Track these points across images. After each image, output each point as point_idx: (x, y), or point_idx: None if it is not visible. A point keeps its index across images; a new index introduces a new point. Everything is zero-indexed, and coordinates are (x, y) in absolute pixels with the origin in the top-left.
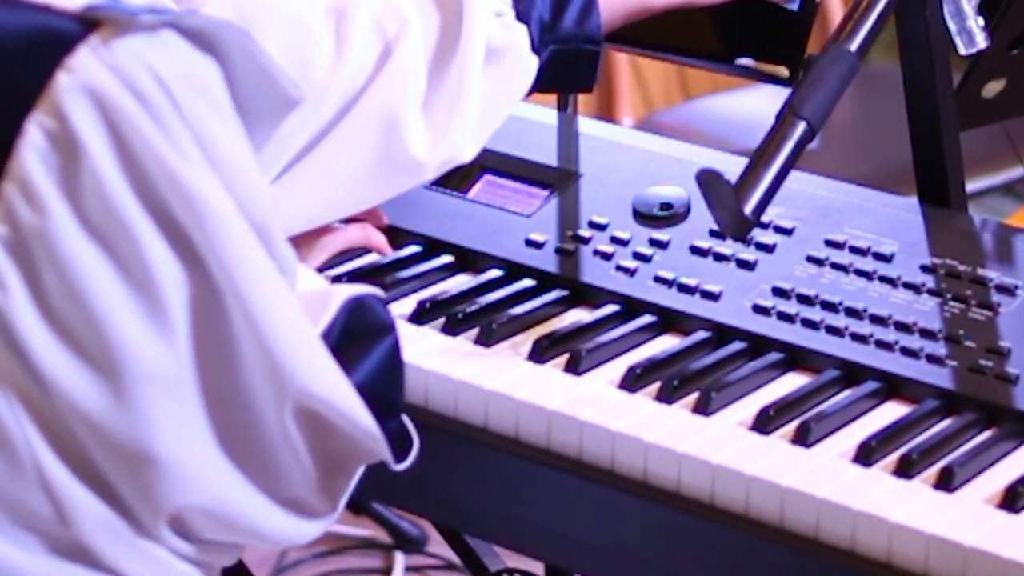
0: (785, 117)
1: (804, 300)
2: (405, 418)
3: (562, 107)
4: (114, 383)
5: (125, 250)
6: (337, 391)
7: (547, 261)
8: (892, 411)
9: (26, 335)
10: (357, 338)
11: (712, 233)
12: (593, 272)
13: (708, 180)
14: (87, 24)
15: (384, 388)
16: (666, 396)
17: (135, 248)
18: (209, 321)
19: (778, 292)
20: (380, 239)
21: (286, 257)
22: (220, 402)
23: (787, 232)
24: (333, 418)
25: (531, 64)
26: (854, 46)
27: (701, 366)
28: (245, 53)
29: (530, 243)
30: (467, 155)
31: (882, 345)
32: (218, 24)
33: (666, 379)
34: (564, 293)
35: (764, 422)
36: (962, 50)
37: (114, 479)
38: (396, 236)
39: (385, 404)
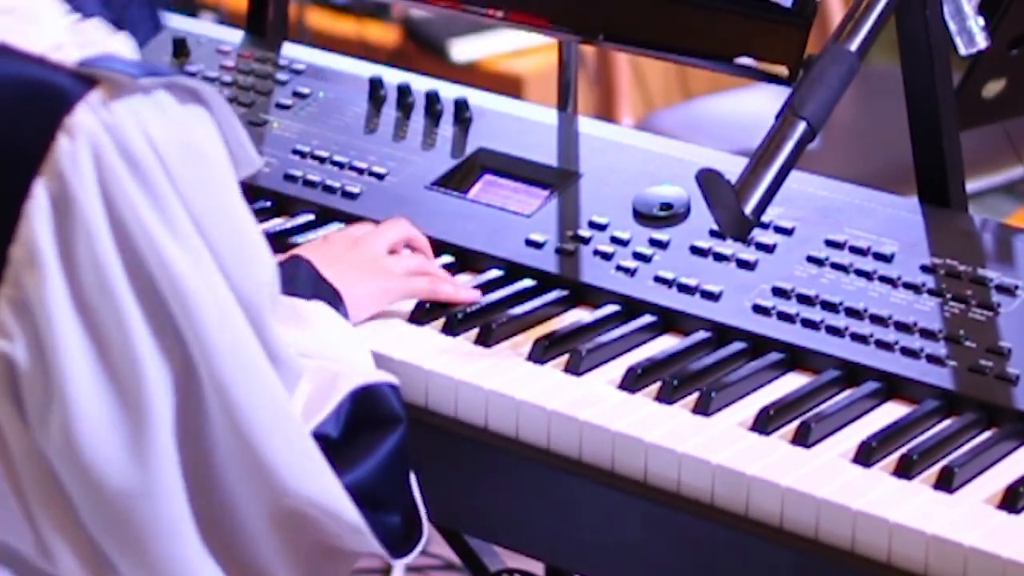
0: (785, 117)
1: (804, 300)
2: (419, 504)
3: (562, 107)
4: (92, 488)
5: (114, 342)
6: (321, 489)
7: (547, 261)
8: (892, 411)
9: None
10: (364, 429)
11: (712, 233)
12: (593, 272)
13: (708, 180)
14: (84, 80)
15: (384, 483)
16: (666, 396)
17: (125, 340)
18: (192, 418)
19: (778, 292)
20: (449, 291)
21: (278, 342)
22: (203, 499)
23: (787, 232)
24: (316, 515)
25: None
26: (854, 46)
27: (701, 366)
28: (223, 109)
29: (530, 243)
30: None
31: (882, 345)
32: (199, 83)
33: (666, 379)
34: (564, 293)
35: (764, 422)
36: (962, 50)
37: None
38: None
39: (383, 499)
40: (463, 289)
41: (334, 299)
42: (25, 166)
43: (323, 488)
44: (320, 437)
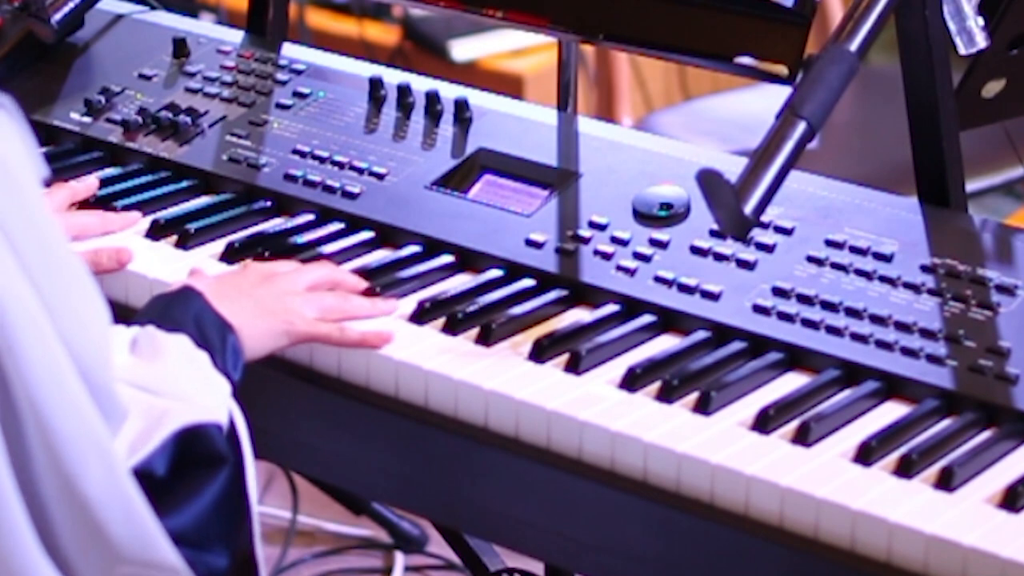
0: (785, 117)
1: (804, 300)
2: (257, 548)
3: (562, 107)
4: None
5: None
6: (139, 533)
7: (547, 261)
8: (892, 411)
9: None
10: (189, 469)
11: (712, 233)
12: (593, 272)
13: (708, 180)
14: None
15: (209, 525)
16: (666, 396)
17: None
18: (12, 438)
19: (778, 292)
20: (355, 339)
21: (102, 374)
22: (34, 505)
23: (787, 232)
24: (134, 555)
25: None
26: (854, 46)
27: (701, 366)
28: (17, 113)
29: (530, 243)
30: None
31: (882, 345)
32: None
33: (666, 379)
34: (564, 293)
35: (764, 422)
36: (962, 50)
37: None
38: (396, 236)
39: (208, 542)
40: (372, 335)
41: (222, 331)
42: None
43: (141, 532)
44: (145, 474)
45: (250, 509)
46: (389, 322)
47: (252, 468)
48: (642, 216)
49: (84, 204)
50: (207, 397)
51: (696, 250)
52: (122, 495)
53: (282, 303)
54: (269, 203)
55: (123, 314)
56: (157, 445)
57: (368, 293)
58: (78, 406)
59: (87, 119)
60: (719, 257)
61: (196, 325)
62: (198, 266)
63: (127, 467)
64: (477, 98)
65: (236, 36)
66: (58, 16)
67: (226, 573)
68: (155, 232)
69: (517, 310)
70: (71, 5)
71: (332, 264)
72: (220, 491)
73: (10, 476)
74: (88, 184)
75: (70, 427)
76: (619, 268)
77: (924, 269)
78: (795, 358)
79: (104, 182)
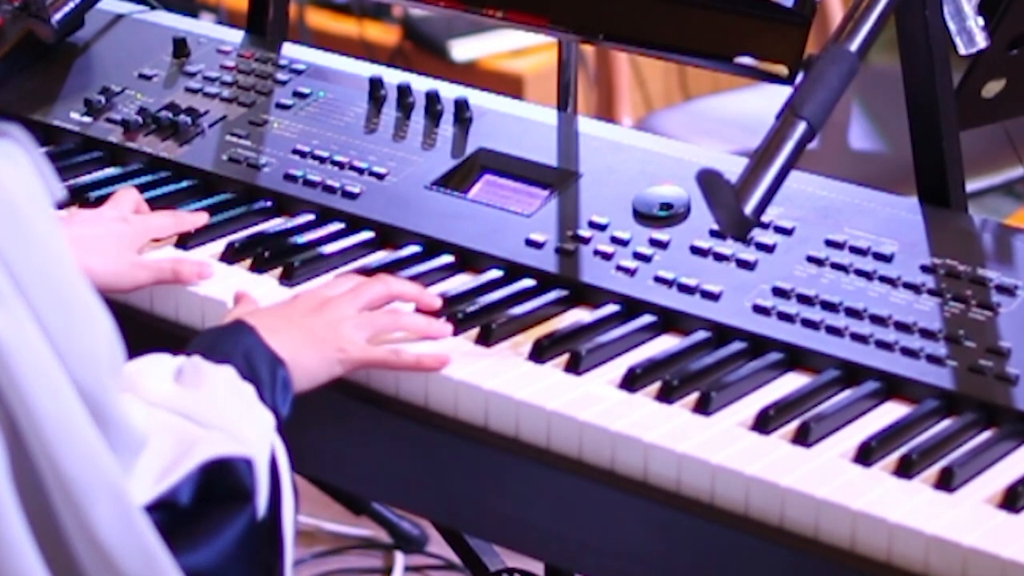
0: (785, 117)
1: (804, 300)
2: None
3: (562, 107)
4: None
5: None
6: (149, 568)
7: (547, 261)
8: (892, 411)
9: None
10: (213, 503)
11: (712, 233)
12: (593, 272)
13: (708, 180)
14: None
15: (233, 564)
16: (666, 396)
17: None
18: (28, 482)
19: (778, 292)
20: (410, 361)
21: (114, 406)
22: (58, 542)
23: (787, 232)
24: None
25: None
26: (854, 46)
27: (701, 366)
28: (29, 141)
29: (530, 243)
30: None
31: (882, 345)
32: (5, 124)
33: (666, 379)
34: (564, 293)
35: (764, 422)
36: (962, 50)
37: None
38: (396, 236)
39: None
40: (428, 357)
41: (272, 365)
42: None
43: (155, 572)
44: (169, 504)
45: (283, 551)
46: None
47: (291, 508)
48: (642, 216)
49: (83, 203)
50: (246, 429)
51: (696, 250)
52: (135, 534)
53: (334, 332)
54: (269, 203)
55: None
56: (183, 475)
57: (432, 313)
58: (88, 449)
59: (87, 119)
60: (719, 257)
61: (245, 358)
62: (243, 290)
63: (142, 502)
64: (477, 98)
65: (236, 36)
66: (58, 16)
67: None
68: None
69: (517, 310)
70: (71, 5)
71: (386, 277)
72: (243, 529)
73: (22, 521)
74: (193, 218)
75: (81, 470)
76: (619, 268)
77: (924, 269)
78: (795, 358)
79: (104, 182)
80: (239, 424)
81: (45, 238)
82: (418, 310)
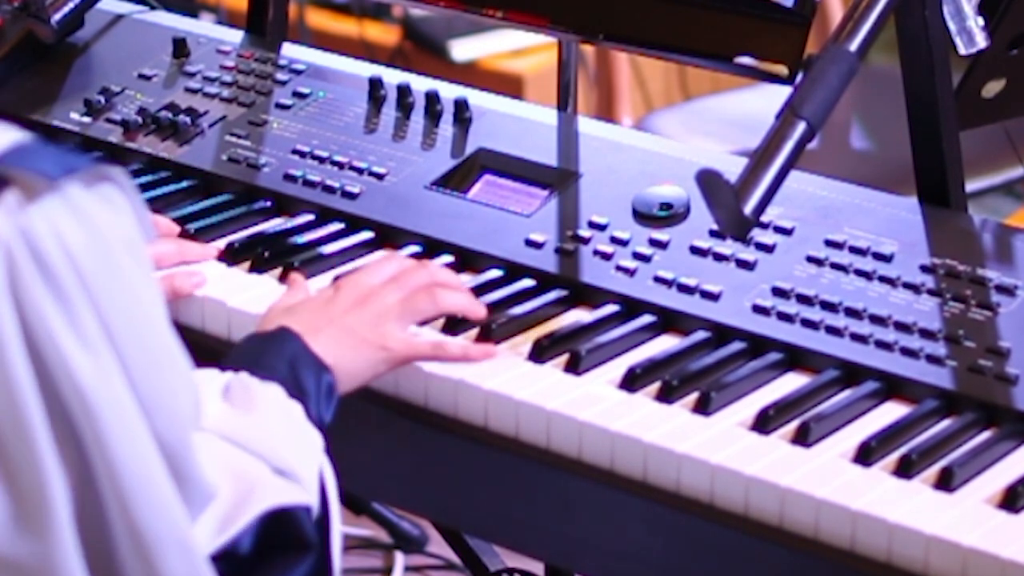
0: (785, 117)
1: (804, 300)
2: None
3: (562, 107)
4: None
5: (15, 450)
6: None
7: (547, 261)
8: (892, 411)
9: None
10: (273, 553)
11: (712, 233)
12: (593, 272)
13: (708, 180)
14: None
15: None
16: (666, 396)
17: (26, 449)
18: (95, 528)
19: (778, 292)
20: (455, 352)
21: (191, 460)
22: None
23: (787, 232)
24: None
25: None
26: (854, 46)
27: (701, 366)
28: (132, 187)
29: (530, 243)
30: None
31: (882, 345)
32: (110, 168)
33: (666, 379)
34: (564, 293)
35: (764, 422)
36: (962, 50)
37: None
38: (396, 236)
39: None
40: (475, 350)
41: (317, 372)
42: None
43: None
44: (230, 554)
45: (332, 571)
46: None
47: (338, 528)
48: (642, 216)
49: None
50: (300, 464)
51: (696, 250)
52: None
53: (377, 330)
54: (269, 203)
55: None
56: (244, 526)
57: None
58: (163, 501)
59: (87, 119)
60: (719, 257)
61: (291, 370)
62: (296, 275)
63: (208, 553)
64: (477, 98)
65: (236, 36)
66: (58, 16)
67: None
68: None
69: (517, 310)
70: (71, 5)
71: (428, 264)
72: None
73: (80, 564)
74: (201, 250)
75: (154, 521)
76: (619, 268)
77: (924, 269)
78: (795, 358)
79: None
80: (293, 457)
81: (139, 288)
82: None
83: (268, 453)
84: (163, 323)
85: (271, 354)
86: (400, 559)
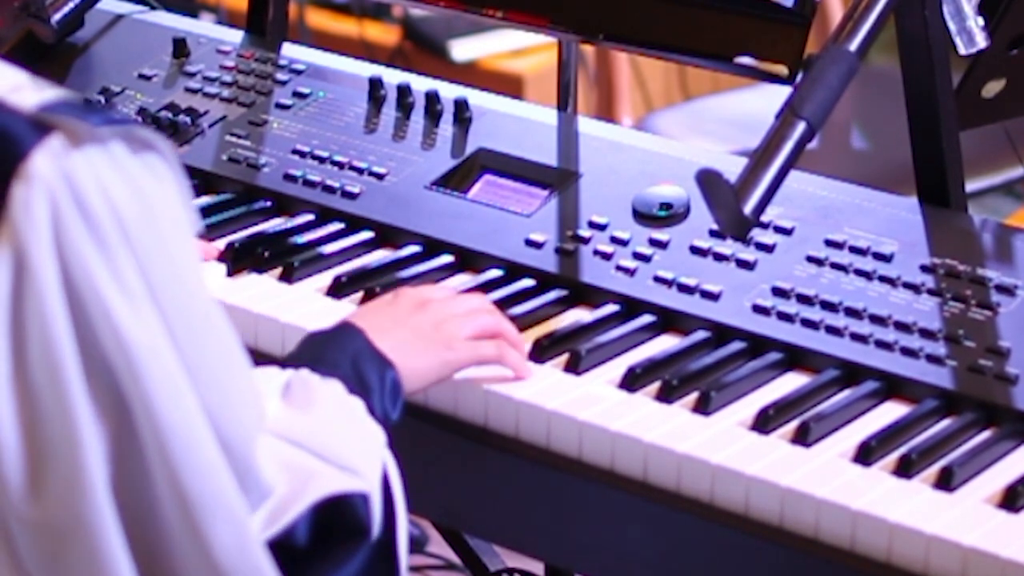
0: (785, 117)
1: (804, 300)
2: None
3: (562, 107)
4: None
5: (48, 402)
6: None
7: (547, 261)
8: (892, 411)
9: None
10: (330, 541)
11: (712, 233)
12: (593, 272)
13: (708, 180)
14: (40, 127)
15: None
16: (666, 396)
17: (60, 400)
18: (133, 489)
19: (778, 292)
20: (515, 359)
21: (237, 436)
22: (143, 553)
23: (787, 232)
24: None
25: None
26: (854, 46)
27: (701, 366)
28: (176, 161)
29: (530, 243)
30: None
31: (882, 345)
32: (154, 134)
33: (666, 379)
34: (564, 293)
35: (764, 422)
36: (962, 50)
37: None
38: (396, 236)
39: None
40: (526, 362)
41: (381, 369)
42: None
43: None
44: (285, 545)
45: (398, 568)
46: None
47: (404, 524)
48: (642, 216)
49: None
50: (358, 457)
51: (696, 250)
52: (253, 560)
53: (441, 331)
54: (269, 203)
55: None
56: (299, 513)
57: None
58: (213, 468)
59: None
60: (719, 257)
61: (353, 366)
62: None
63: (262, 539)
64: (477, 98)
65: (236, 36)
66: (58, 16)
67: None
68: None
69: (517, 310)
70: (71, 5)
71: (482, 295)
72: (362, 565)
73: (116, 524)
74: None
75: (203, 485)
76: (619, 268)
77: (924, 269)
78: (795, 358)
79: None
80: (351, 451)
81: (186, 257)
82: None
83: (325, 450)
84: (213, 304)
85: (333, 349)
86: None
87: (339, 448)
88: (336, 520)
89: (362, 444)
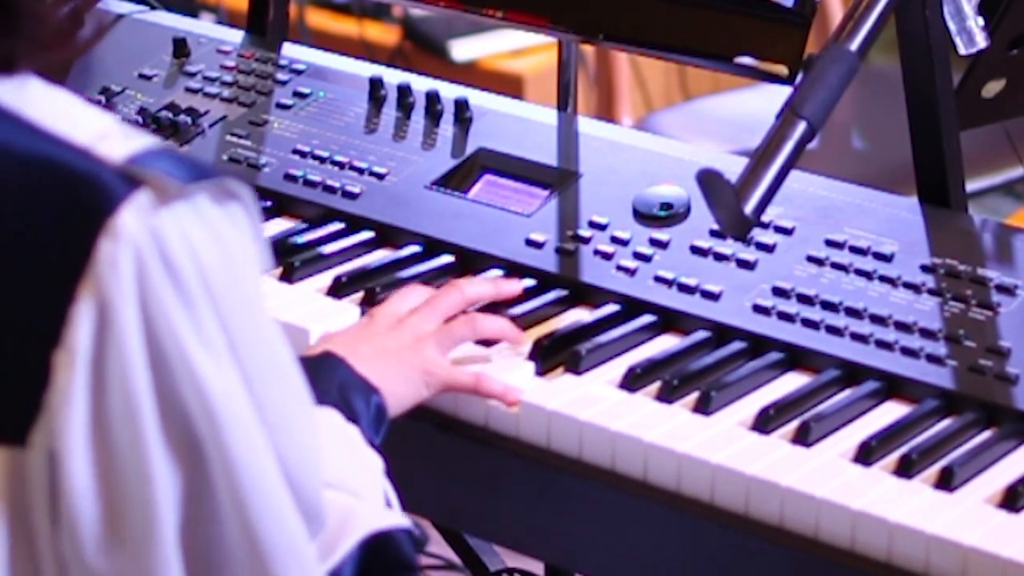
0: (785, 117)
1: (804, 300)
2: None
3: (562, 107)
4: None
5: (126, 455)
6: None
7: (547, 261)
8: (892, 411)
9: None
10: None
11: (712, 233)
12: (593, 272)
13: (708, 180)
14: (129, 181)
15: None
16: (666, 396)
17: (137, 453)
18: (203, 533)
19: (778, 292)
20: (495, 389)
21: (303, 472)
22: None
23: (787, 232)
24: None
25: None
26: (854, 46)
27: (701, 366)
28: (256, 208)
29: (530, 243)
30: None
31: (882, 345)
32: (239, 184)
33: (666, 379)
34: (564, 293)
35: (764, 422)
36: (962, 50)
37: None
38: (396, 236)
39: None
40: (511, 390)
41: (366, 395)
42: (66, 266)
43: None
44: None
45: None
46: None
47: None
48: (642, 216)
49: None
50: (366, 488)
51: (696, 250)
52: None
53: (419, 354)
54: (269, 203)
55: None
56: (346, 553)
57: (514, 298)
58: (284, 514)
59: None
60: (719, 257)
61: (341, 395)
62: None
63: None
64: (477, 98)
65: (236, 36)
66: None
67: None
68: None
69: (517, 310)
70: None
71: (460, 283)
72: None
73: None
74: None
75: (276, 534)
76: (619, 268)
77: (924, 269)
78: (795, 358)
79: None
80: (356, 479)
81: (260, 304)
82: (499, 302)
83: (354, 484)
84: (283, 345)
85: (321, 379)
86: None
87: (350, 480)
88: (382, 557)
89: (366, 473)
